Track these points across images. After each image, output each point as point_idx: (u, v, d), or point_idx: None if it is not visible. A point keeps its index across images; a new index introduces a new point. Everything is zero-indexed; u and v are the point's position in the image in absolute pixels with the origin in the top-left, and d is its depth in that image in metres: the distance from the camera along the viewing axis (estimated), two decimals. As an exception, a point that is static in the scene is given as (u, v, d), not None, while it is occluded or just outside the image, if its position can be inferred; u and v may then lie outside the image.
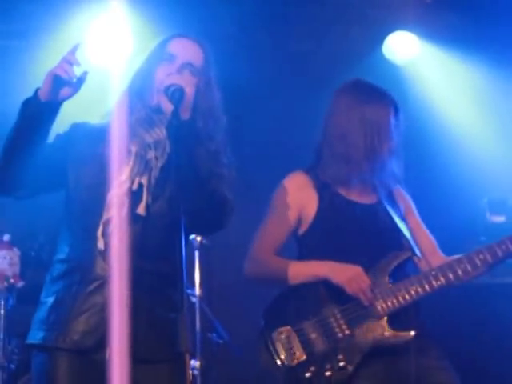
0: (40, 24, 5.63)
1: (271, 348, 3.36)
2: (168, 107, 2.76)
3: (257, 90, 5.95)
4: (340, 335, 3.34)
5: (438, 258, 3.55)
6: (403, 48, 6.04)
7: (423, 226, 3.64)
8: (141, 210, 2.78)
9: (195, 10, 5.54)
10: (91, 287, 2.75)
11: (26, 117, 2.73)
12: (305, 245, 3.51)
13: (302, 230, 3.49)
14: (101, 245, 2.76)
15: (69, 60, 2.68)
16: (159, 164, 2.83)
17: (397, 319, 3.35)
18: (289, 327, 3.37)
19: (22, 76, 5.73)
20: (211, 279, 5.24)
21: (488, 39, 5.80)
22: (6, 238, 4.77)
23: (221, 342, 5.25)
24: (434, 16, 5.83)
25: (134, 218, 2.77)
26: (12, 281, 4.70)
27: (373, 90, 3.53)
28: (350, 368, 3.29)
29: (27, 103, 2.73)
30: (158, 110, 2.84)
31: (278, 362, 3.35)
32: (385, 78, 5.96)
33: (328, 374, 3.30)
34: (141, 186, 2.81)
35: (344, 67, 6.05)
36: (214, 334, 5.23)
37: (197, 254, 5.13)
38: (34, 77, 5.66)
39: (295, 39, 6.07)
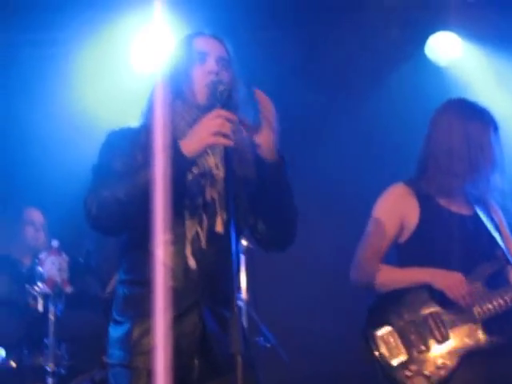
0: (80, 32, 5.69)
1: (372, 345, 3.51)
2: (210, 99, 2.76)
3: (300, 96, 5.96)
4: (439, 338, 3.48)
5: None
6: (446, 49, 6.00)
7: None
8: (218, 227, 2.78)
9: (236, 12, 5.57)
10: (179, 310, 2.72)
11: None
12: (406, 253, 3.65)
13: (403, 239, 3.65)
14: (192, 264, 2.75)
15: (226, 131, 2.63)
16: (221, 173, 2.80)
17: (492, 324, 3.50)
18: (390, 327, 3.52)
19: (62, 84, 5.83)
20: (257, 283, 5.25)
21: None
22: (55, 243, 4.82)
23: (268, 345, 5.26)
24: (476, 16, 5.79)
25: (212, 236, 2.77)
26: (61, 286, 4.76)
27: (475, 108, 3.68)
28: (449, 369, 3.43)
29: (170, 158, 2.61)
30: (206, 109, 2.77)
31: (382, 361, 3.48)
32: (428, 80, 6.00)
33: (427, 373, 3.43)
34: (212, 199, 2.80)
35: (387, 70, 6.06)
36: (261, 338, 5.24)
37: (243, 258, 5.14)
38: (74, 85, 5.82)
39: (337, 43, 6.07)
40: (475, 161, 3.57)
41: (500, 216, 3.77)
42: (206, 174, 2.80)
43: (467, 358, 3.44)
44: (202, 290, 2.76)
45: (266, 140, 2.74)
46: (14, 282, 5.08)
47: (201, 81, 2.83)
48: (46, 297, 4.79)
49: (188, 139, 2.67)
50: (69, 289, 4.81)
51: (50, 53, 5.89)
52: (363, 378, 3.69)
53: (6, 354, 4.97)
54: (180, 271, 2.74)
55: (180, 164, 2.65)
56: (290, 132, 5.78)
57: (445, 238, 3.57)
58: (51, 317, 4.71)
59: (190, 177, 2.76)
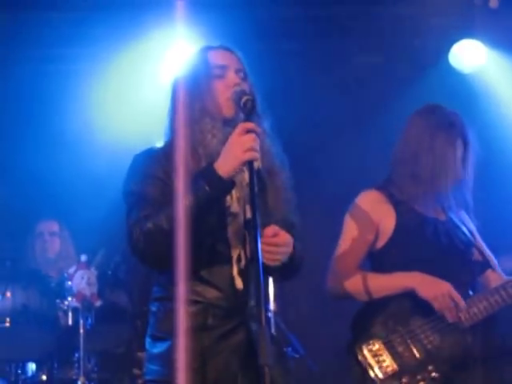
0: (106, 48, 5.73)
1: (362, 361, 3.42)
2: (235, 111, 2.77)
3: (320, 104, 5.97)
4: (429, 346, 3.41)
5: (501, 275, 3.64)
6: (470, 56, 5.99)
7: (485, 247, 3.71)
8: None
9: (260, 26, 5.60)
10: (227, 327, 2.75)
11: (212, 198, 2.66)
12: (381, 259, 3.57)
13: (379, 245, 3.56)
14: (239, 284, 2.76)
15: (256, 145, 2.64)
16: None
17: (481, 329, 3.43)
18: (378, 340, 3.44)
19: (86, 100, 5.88)
20: (285, 293, 5.25)
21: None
22: (84, 258, 4.86)
23: (296, 356, 5.26)
24: (499, 23, 5.77)
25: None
26: (90, 300, 4.79)
27: (447, 119, 3.60)
28: (442, 378, 3.37)
29: (209, 184, 2.64)
30: (234, 124, 2.75)
31: (372, 374, 3.40)
32: (452, 87, 5.99)
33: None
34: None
35: (412, 78, 6.06)
36: (290, 349, 5.24)
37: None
38: (99, 101, 5.86)
39: (361, 52, 6.08)
40: (438, 173, 3.50)
41: (473, 227, 3.70)
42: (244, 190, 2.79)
43: (461, 365, 3.38)
44: (248, 309, 2.77)
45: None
46: (44, 296, 5.11)
47: (224, 95, 2.82)
48: (75, 311, 4.83)
49: (222, 160, 2.65)
50: (98, 302, 4.84)
51: (75, 68, 5.94)
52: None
53: (37, 367, 5.02)
54: (228, 291, 2.76)
55: (220, 187, 2.66)
56: (311, 140, 5.89)
57: (421, 243, 3.50)
58: (81, 330, 4.74)
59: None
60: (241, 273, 2.76)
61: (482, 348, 3.40)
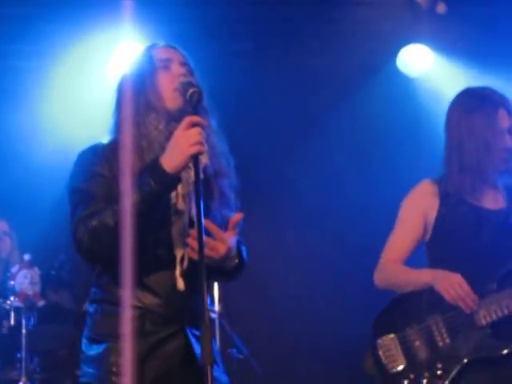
0: (55, 46, 5.68)
1: (375, 354, 3.45)
2: (181, 104, 2.74)
3: (271, 105, 5.99)
4: (440, 344, 3.38)
5: None
6: (417, 61, 6.05)
7: None
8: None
9: (211, 27, 5.59)
10: (165, 333, 2.73)
11: (157, 193, 2.61)
12: (430, 252, 3.57)
13: (427, 238, 3.56)
14: (181, 285, 2.73)
15: (202, 139, 2.59)
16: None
17: (500, 328, 3.33)
18: (393, 335, 3.45)
19: (35, 97, 5.82)
20: (230, 295, 5.25)
21: (502, 52, 5.81)
22: (27, 257, 4.81)
23: (241, 357, 5.27)
24: (447, 29, 5.84)
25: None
26: (33, 300, 4.74)
27: (482, 95, 3.54)
28: (448, 377, 3.33)
29: (154, 180, 2.60)
30: (179, 118, 2.70)
31: (380, 368, 3.43)
32: (399, 91, 6.05)
33: (425, 381, 3.35)
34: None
35: (359, 81, 6.10)
36: (234, 350, 5.25)
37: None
38: (47, 99, 5.80)
39: (310, 55, 6.11)
40: (482, 160, 3.44)
41: None
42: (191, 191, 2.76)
43: (471, 365, 3.32)
44: (187, 313, 2.74)
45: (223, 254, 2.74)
46: (-15, 296, 5.04)
47: (169, 86, 2.78)
48: (17, 311, 4.78)
49: (168, 155, 2.60)
50: (41, 302, 4.80)
51: (23, 65, 5.88)
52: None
53: (-22, 368, 4.95)
54: (167, 296, 2.73)
55: (166, 183, 2.62)
56: (263, 139, 5.90)
57: (463, 234, 3.46)
58: (23, 330, 4.70)
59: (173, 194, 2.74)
60: (183, 274, 2.73)
61: (499, 347, 3.32)
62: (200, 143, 2.56)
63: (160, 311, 2.72)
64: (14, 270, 4.80)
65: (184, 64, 2.85)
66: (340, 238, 6.10)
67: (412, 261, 3.60)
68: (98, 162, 2.76)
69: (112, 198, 2.65)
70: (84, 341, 2.81)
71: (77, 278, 5.23)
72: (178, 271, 2.73)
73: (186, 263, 2.73)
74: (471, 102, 3.53)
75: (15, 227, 5.61)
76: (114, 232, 2.55)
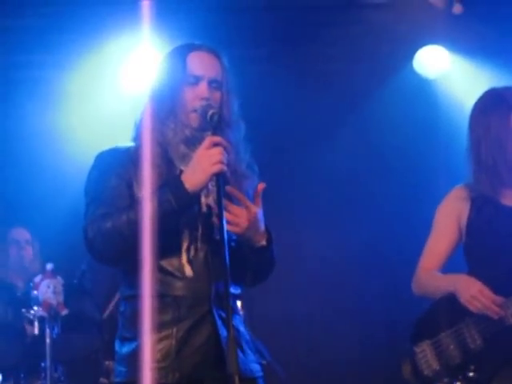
0: (69, 55, 5.71)
1: (412, 361, 3.48)
2: (198, 123, 2.78)
3: (286, 111, 6.00)
4: (472, 346, 3.39)
5: None
6: (434, 62, 6.04)
7: None
8: (216, 234, 2.76)
9: (223, 33, 5.60)
10: (196, 317, 2.76)
11: (176, 211, 2.66)
12: (466, 255, 3.59)
13: (463, 242, 3.59)
14: (188, 272, 2.76)
15: (223, 158, 2.65)
16: (214, 183, 2.78)
17: None
18: (428, 341, 3.47)
19: (49, 107, 5.85)
20: (252, 300, 5.25)
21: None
22: (50, 267, 4.83)
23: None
24: (463, 29, 5.81)
25: (210, 242, 2.78)
26: (56, 309, 4.76)
27: (494, 96, 3.58)
28: (481, 379, 3.35)
29: (175, 197, 2.65)
30: (198, 130, 2.79)
31: (416, 373, 3.46)
32: (416, 93, 6.04)
33: None
34: (209, 208, 2.80)
35: (375, 84, 6.10)
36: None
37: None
38: (61, 108, 5.83)
39: (325, 59, 6.11)
40: (496, 158, 3.46)
41: None
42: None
43: (504, 366, 3.33)
44: (213, 297, 2.75)
45: (253, 230, 2.77)
46: (10, 306, 5.07)
47: (191, 104, 2.81)
48: (41, 320, 4.80)
49: (190, 173, 2.67)
50: (64, 311, 4.82)
51: (38, 75, 5.91)
52: None
53: (3, 378, 4.97)
54: (185, 280, 2.75)
55: (186, 202, 2.67)
56: (281, 144, 5.90)
57: (489, 234, 3.48)
58: (47, 340, 4.72)
59: None
60: (190, 262, 2.75)
61: None
62: (221, 162, 2.63)
63: (187, 295, 2.74)
64: (36, 279, 4.82)
65: (213, 81, 2.86)
66: (355, 241, 6.10)
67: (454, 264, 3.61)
68: (116, 164, 2.80)
69: (127, 202, 2.70)
70: (117, 341, 2.83)
71: (98, 287, 5.26)
72: (184, 259, 2.75)
73: (193, 252, 2.76)
74: (489, 101, 3.57)
75: (36, 236, 5.65)
76: (127, 240, 2.61)
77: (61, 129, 5.92)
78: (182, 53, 2.91)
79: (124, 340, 2.79)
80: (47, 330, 4.73)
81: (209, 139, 2.67)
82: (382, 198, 6.06)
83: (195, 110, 2.80)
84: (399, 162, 6.06)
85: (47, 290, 4.76)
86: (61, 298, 4.79)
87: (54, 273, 4.81)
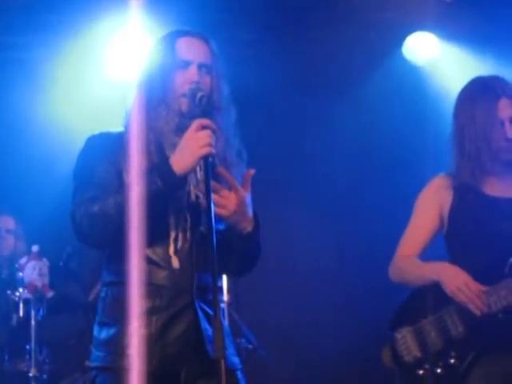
0: (56, 36, 5.67)
1: (393, 347, 3.49)
2: (188, 107, 2.77)
3: (276, 95, 5.98)
4: (454, 333, 3.40)
5: None
6: (423, 49, 6.03)
7: None
8: (203, 225, 2.77)
9: (217, 16, 5.57)
10: (176, 308, 2.76)
11: (163, 193, 2.66)
12: (447, 244, 3.59)
13: (444, 231, 3.59)
14: (175, 263, 2.76)
15: (211, 141, 2.64)
16: (202, 172, 2.78)
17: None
18: (409, 327, 3.48)
19: (34, 89, 5.81)
20: (238, 284, 5.25)
21: (509, 38, 5.78)
22: (35, 248, 4.82)
23: (250, 347, 5.27)
24: (453, 16, 5.81)
25: (195, 234, 2.78)
26: (42, 291, 4.74)
27: (481, 84, 3.57)
28: (462, 366, 3.35)
29: (162, 179, 2.65)
30: (190, 116, 2.77)
31: (397, 360, 3.47)
32: (405, 79, 6.03)
33: (439, 371, 3.38)
34: (197, 197, 2.80)
35: (364, 69, 6.09)
36: (243, 340, 5.25)
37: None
38: (47, 91, 5.78)
39: (314, 44, 6.09)
40: (481, 147, 3.46)
41: None
42: (189, 174, 2.79)
43: (485, 354, 3.33)
44: (195, 289, 2.76)
45: (241, 217, 2.77)
46: (-5, 288, 5.06)
47: (181, 89, 2.81)
48: (26, 302, 4.79)
49: (178, 156, 2.66)
50: (50, 294, 4.80)
51: (24, 56, 5.86)
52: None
53: (-12, 359, 4.97)
54: (168, 270, 2.75)
55: (173, 184, 2.67)
56: (270, 130, 5.89)
57: (471, 222, 3.47)
58: (32, 322, 4.70)
59: None
60: (177, 253, 2.75)
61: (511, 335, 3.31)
62: (209, 145, 2.62)
63: (169, 285, 2.74)
64: (22, 261, 4.80)
65: (202, 66, 2.86)
66: (345, 233, 6.12)
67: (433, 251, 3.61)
68: (107, 149, 2.79)
69: (114, 186, 2.70)
70: (95, 326, 2.83)
71: (84, 270, 5.24)
72: (171, 250, 2.75)
73: (180, 243, 2.76)
74: (475, 90, 3.56)
75: (22, 219, 5.61)
76: (114, 223, 2.62)
77: (47, 113, 5.87)
78: (170, 39, 2.91)
79: (103, 325, 2.79)
80: (32, 312, 4.72)
81: (197, 122, 2.67)
82: (370, 188, 6.06)
83: (184, 95, 2.79)
84: (387, 148, 6.06)
85: (33, 271, 4.75)
86: (46, 280, 4.78)
87: (39, 255, 4.80)
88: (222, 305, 5.11)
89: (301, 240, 6.13)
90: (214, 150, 2.65)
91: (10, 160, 5.87)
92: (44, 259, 4.80)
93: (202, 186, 2.74)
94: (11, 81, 5.82)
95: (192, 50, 2.88)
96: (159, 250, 2.76)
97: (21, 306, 4.82)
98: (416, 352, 3.45)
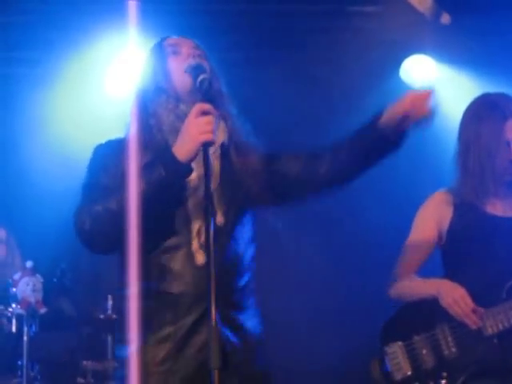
0: (58, 53, 5.69)
1: (382, 362, 3.45)
2: (190, 86, 2.72)
3: (272, 115, 5.99)
4: (446, 352, 3.37)
5: None
6: (420, 71, 6.05)
7: None
8: (219, 218, 2.70)
9: (211, 37, 5.58)
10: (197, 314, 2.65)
11: (167, 182, 2.58)
12: (443, 259, 3.58)
13: (441, 247, 3.57)
14: (200, 260, 2.66)
15: (212, 127, 2.56)
16: (217, 164, 2.74)
17: (507, 339, 3.32)
18: (400, 343, 3.44)
19: (36, 105, 5.82)
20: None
21: (507, 63, 5.81)
22: (29, 264, 4.80)
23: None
24: (450, 39, 5.84)
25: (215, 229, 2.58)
26: (35, 307, 4.73)
27: (487, 102, 3.55)
28: None
29: (165, 168, 2.57)
30: (189, 100, 2.73)
31: (386, 375, 3.43)
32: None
33: None
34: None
35: (361, 91, 6.10)
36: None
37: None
38: (49, 107, 5.80)
39: (311, 65, 6.11)
40: (484, 167, 3.44)
41: None
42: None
43: (476, 375, 3.31)
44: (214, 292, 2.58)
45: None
46: (-13, 302, 5.04)
47: (178, 69, 2.78)
48: (19, 318, 4.77)
49: (179, 143, 2.59)
50: (43, 310, 4.79)
51: (24, 72, 5.88)
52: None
53: (-21, 375, 4.94)
54: (189, 273, 2.65)
55: (176, 171, 2.58)
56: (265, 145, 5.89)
57: (470, 241, 3.45)
58: (25, 338, 4.69)
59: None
60: (201, 247, 2.66)
61: (506, 360, 3.30)
62: (210, 131, 2.54)
63: (188, 293, 2.64)
64: (16, 277, 4.79)
65: (195, 47, 2.85)
66: (338, 243, 6.11)
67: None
68: (110, 153, 2.76)
69: (118, 186, 2.62)
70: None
71: (78, 286, 5.23)
72: (195, 245, 2.66)
73: (203, 237, 2.65)
74: (482, 108, 3.54)
75: (17, 235, 5.60)
76: (117, 218, 2.53)
77: (46, 127, 5.87)
78: (158, 41, 2.93)
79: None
80: (25, 328, 4.70)
81: (198, 106, 2.58)
82: (368, 202, 6.06)
83: (184, 72, 2.75)
84: (385, 167, 6.06)
85: (26, 287, 4.74)
86: (40, 296, 4.76)
87: (33, 271, 4.78)
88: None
89: (292, 248, 6.13)
90: (215, 137, 2.57)
91: (7, 174, 5.87)
92: (38, 275, 4.78)
93: (217, 178, 2.70)
94: (10, 97, 5.83)
95: (181, 42, 2.89)
96: (176, 256, 2.66)
97: (13, 321, 4.80)
98: (406, 369, 3.41)
